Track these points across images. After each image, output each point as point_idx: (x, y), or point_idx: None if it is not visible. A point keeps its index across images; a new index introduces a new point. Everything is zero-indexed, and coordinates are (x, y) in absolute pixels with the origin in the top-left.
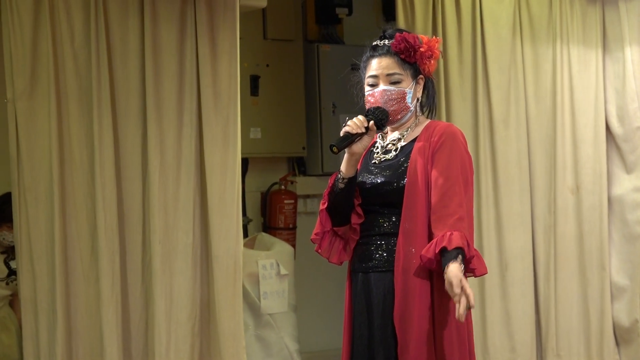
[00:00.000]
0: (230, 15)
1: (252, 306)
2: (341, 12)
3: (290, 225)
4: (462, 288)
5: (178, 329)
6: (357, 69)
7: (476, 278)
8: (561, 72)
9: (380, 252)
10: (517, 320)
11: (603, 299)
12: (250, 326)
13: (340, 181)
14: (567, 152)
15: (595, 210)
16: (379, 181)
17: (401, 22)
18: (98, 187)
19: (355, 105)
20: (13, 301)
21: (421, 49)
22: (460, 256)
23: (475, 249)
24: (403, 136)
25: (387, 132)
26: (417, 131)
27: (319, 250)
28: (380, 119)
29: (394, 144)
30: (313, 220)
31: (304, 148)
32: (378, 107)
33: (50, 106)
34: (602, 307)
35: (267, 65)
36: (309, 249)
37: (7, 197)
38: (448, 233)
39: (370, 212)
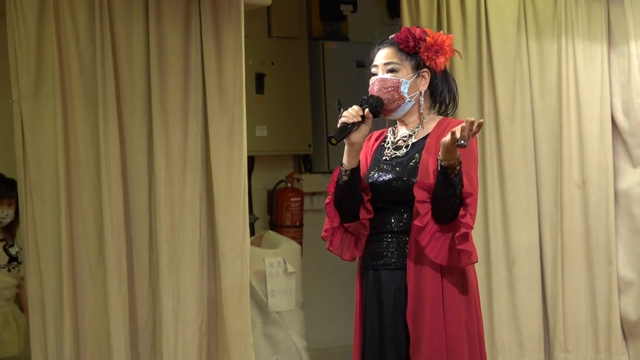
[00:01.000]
0: (235, 13)
1: (259, 304)
2: (346, 9)
3: (297, 223)
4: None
5: (185, 327)
6: (362, 65)
7: (480, 272)
8: (566, 66)
9: (391, 250)
10: (525, 315)
11: (610, 293)
12: (258, 324)
13: (344, 173)
14: (573, 146)
15: (602, 204)
16: (389, 178)
17: (406, 18)
18: (104, 187)
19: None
20: (20, 294)
21: (425, 42)
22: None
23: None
24: (414, 132)
25: (397, 127)
26: (429, 128)
27: (331, 248)
28: (375, 106)
29: (404, 141)
30: (320, 218)
31: (310, 145)
32: (372, 95)
33: (56, 106)
34: (610, 301)
35: (272, 63)
36: (316, 246)
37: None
38: None
39: (382, 209)
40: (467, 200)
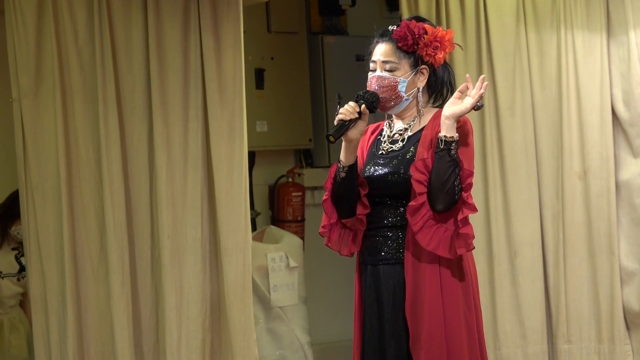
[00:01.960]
0: (234, 8)
1: (262, 299)
2: (344, 3)
3: (299, 218)
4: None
5: (189, 324)
6: (362, 59)
7: (482, 264)
8: (566, 57)
9: (389, 244)
10: (527, 307)
11: (613, 283)
12: (261, 319)
13: (341, 170)
14: (573, 137)
15: (603, 195)
16: (385, 172)
17: (404, 12)
18: (105, 184)
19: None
20: (24, 302)
21: (423, 39)
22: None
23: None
24: (410, 126)
25: (393, 121)
26: (425, 120)
27: (329, 244)
28: (371, 101)
29: (400, 134)
30: (321, 212)
31: (310, 140)
32: (367, 91)
33: (56, 104)
34: (612, 292)
35: (272, 58)
36: (318, 240)
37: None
38: None
39: (378, 203)
40: (469, 180)
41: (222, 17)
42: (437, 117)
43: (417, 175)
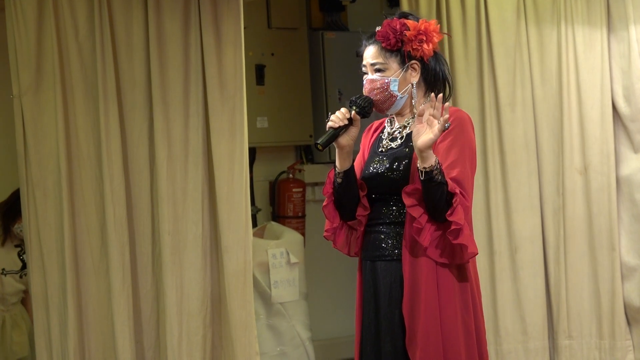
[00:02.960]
0: (234, 4)
1: (263, 295)
2: None
3: (299, 214)
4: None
5: (189, 320)
6: (361, 55)
7: (483, 260)
8: (566, 53)
9: (387, 241)
10: (528, 302)
11: (613, 279)
12: (262, 315)
13: (337, 176)
14: (574, 133)
15: (604, 190)
16: (384, 169)
17: (405, 7)
18: (106, 181)
19: (361, 92)
20: (26, 299)
21: (406, 35)
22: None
23: (469, 230)
24: (408, 124)
25: (394, 118)
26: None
27: (336, 247)
28: (363, 107)
29: (399, 132)
30: (322, 208)
31: (311, 136)
32: (360, 96)
33: (56, 100)
34: (613, 287)
35: (272, 54)
36: (319, 236)
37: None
38: None
39: (378, 200)
40: (455, 198)
41: (223, 13)
42: None
43: (409, 202)
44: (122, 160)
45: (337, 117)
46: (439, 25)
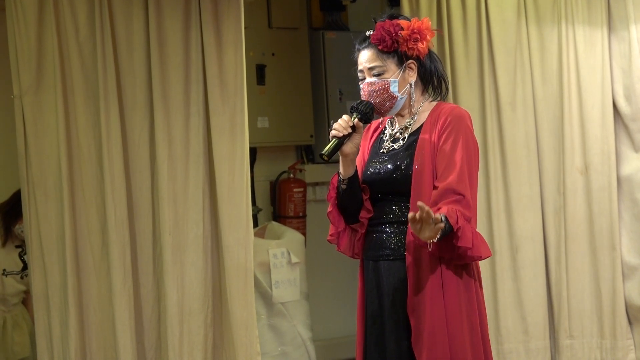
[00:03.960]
0: (235, 4)
1: (264, 295)
2: None
3: (300, 214)
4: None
5: (190, 320)
6: (356, 60)
7: (487, 261)
8: (567, 52)
9: (389, 241)
10: (529, 302)
11: (614, 278)
12: (263, 315)
13: (342, 183)
14: (575, 133)
15: (605, 190)
16: (385, 169)
17: (405, 7)
18: (107, 181)
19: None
20: (27, 300)
21: (401, 35)
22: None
23: (478, 233)
24: (409, 125)
25: (395, 119)
26: (423, 117)
27: (341, 249)
28: (365, 112)
29: (401, 133)
30: (322, 208)
31: (311, 136)
32: (361, 101)
33: (57, 100)
34: (614, 287)
35: (273, 54)
36: (320, 236)
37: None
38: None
39: (380, 200)
40: (457, 224)
41: (223, 13)
42: (432, 114)
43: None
44: (123, 160)
45: (340, 126)
46: (430, 22)
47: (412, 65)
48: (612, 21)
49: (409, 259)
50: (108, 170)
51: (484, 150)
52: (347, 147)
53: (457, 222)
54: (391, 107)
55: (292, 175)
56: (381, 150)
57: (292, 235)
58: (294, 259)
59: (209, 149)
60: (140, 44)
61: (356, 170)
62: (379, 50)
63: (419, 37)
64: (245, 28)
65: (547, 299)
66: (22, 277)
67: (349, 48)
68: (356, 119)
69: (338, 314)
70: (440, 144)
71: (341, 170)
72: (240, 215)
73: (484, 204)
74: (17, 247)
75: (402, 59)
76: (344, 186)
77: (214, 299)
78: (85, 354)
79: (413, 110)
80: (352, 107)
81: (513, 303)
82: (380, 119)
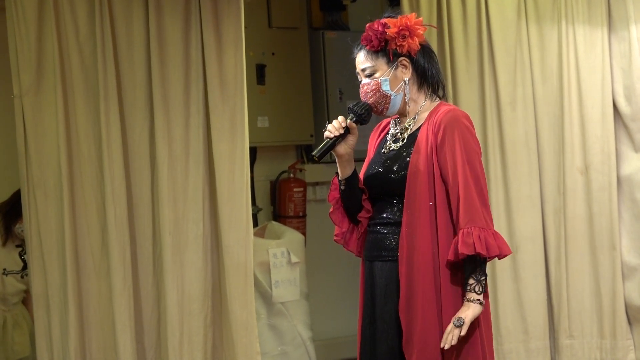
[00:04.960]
0: (235, 4)
1: (264, 295)
2: None
3: (300, 213)
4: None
5: (191, 320)
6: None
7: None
8: (567, 52)
9: (384, 241)
10: (529, 302)
11: (614, 279)
12: (263, 315)
13: (340, 183)
14: (575, 132)
15: (605, 190)
16: (382, 170)
17: (405, 6)
18: (107, 180)
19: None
20: (27, 299)
21: (388, 33)
22: (481, 281)
23: (496, 232)
24: (410, 125)
25: (398, 119)
26: (424, 117)
27: (348, 248)
28: (360, 114)
29: (401, 133)
30: (322, 208)
31: (311, 135)
32: (357, 102)
33: (57, 100)
34: (614, 287)
35: (273, 54)
36: (320, 236)
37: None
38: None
39: (378, 200)
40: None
41: (223, 13)
42: (431, 116)
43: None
44: (123, 160)
45: (333, 127)
46: (420, 18)
47: (405, 62)
48: (612, 21)
49: (402, 260)
50: (108, 170)
51: (484, 150)
52: (341, 148)
53: (481, 252)
54: (387, 106)
55: (292, 174)
56: (383, 150)
57: (292, 235)
58: (294, 259)
59: (209, 149)
60: (140, 44)
61: (355, 171)
62: (367, 50)
63: (407, 33)
64: (245, 28)
65: (547, 299)
66: (22, 277)
67: (349, 48)
68: (349, 121)
69: (338, 313)
70: (439, 153)
71: (338, 170)
72: (240, 215)
73: None
74: (17, 246)
75: (391, 57)
76: (342, 187)
77: (214, 299)
78: (85, 353)
79: (412, 109)
80: (349, 108)
81: (513, 303)
82: (392, 119)
